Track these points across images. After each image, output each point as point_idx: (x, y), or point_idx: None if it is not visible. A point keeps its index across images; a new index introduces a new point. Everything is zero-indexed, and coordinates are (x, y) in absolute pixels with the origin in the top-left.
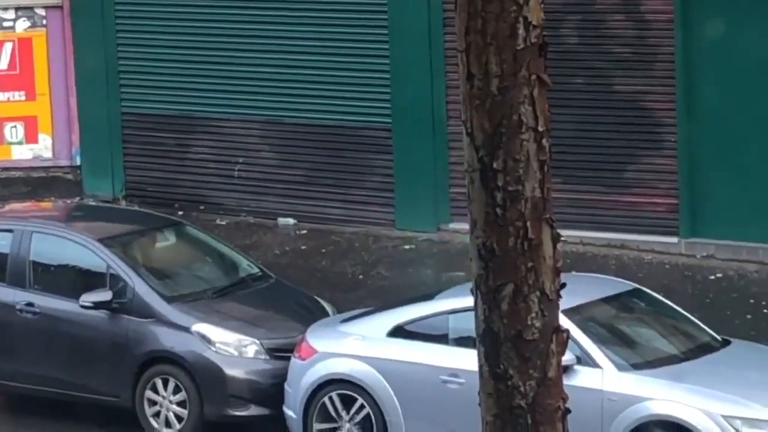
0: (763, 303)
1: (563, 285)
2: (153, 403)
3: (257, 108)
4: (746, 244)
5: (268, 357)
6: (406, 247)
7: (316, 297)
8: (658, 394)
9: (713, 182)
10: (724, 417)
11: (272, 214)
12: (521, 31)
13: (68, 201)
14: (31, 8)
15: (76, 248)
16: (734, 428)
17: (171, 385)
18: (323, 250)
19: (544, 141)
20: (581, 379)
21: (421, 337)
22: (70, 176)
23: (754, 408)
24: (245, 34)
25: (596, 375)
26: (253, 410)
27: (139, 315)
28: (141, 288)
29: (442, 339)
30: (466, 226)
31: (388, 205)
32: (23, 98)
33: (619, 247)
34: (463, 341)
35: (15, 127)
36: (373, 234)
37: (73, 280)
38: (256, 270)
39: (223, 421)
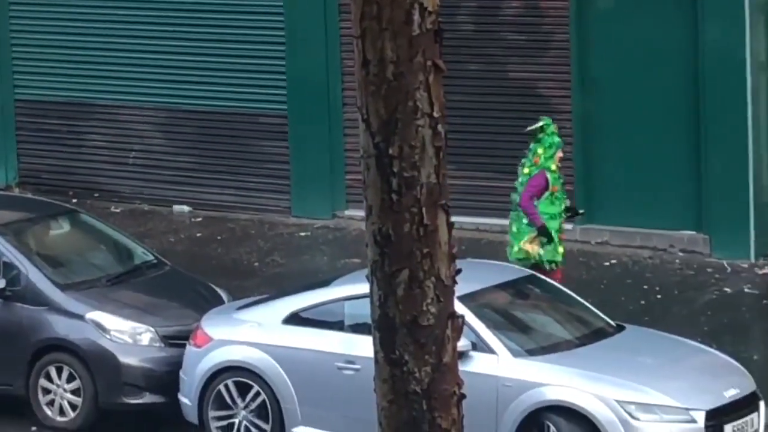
0: (657, 289)
1: (459, 271)
2: (47, 391)
3: (152, 95)
4: (640, 230)
5: (163, 344)
6: (302, 234)
7: (211, 284)
8: (553, 379)
9: (608, 169)
10: (618, 402)
11: (167, 202)
12: (416, 17)
13: None
14: None
15: None
16: (628, 413)
17: (65, 374)
18: (218, 238)
19: (439, 127)
20: (476, 365)
21: (316, 324)
22: None
23: (647, 393)
24: (140, 21)
25: (491, 361)
26: (148, 398)
27: (32, 303)
28: (34, 276)
29: (337, 326)
30: (361, 213)
31: (283, 192)
32: None
33: None
34: (358, 328)
35: None
36: (268, 221)
37: None
38: (151, 257)
39: (117, 409)
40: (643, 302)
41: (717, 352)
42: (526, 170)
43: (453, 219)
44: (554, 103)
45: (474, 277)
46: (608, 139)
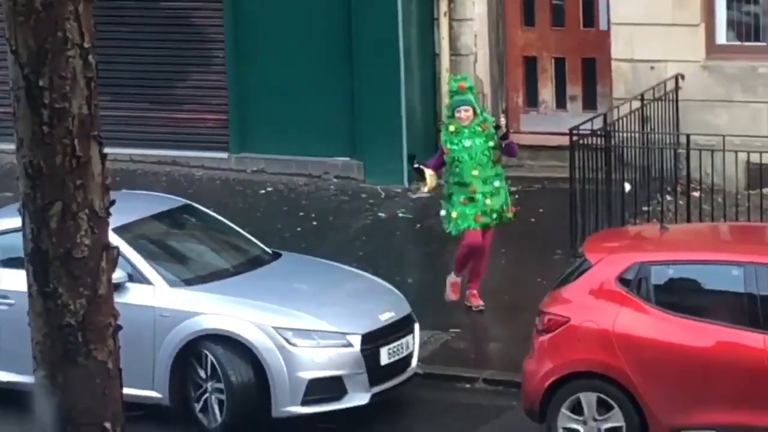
0: (313, 215)
1: (113, 202)
2: None
3: None
4: (295, 158)
5: None
6: None
7: None
8: (210, 308)
9: (262, 98)
10: (275, 328)
11: None
12: None
13: None
14: None
15: None
16: (285, 339)
17: None
18: None
19: (90, 58)
20: (133, 296)
21: None
22: None
23: (303, 319)
24: None
25: (148, 292)
26: None
27: None
28: None
29: None
30: (13, 146)
31: None
32: None
33: (170, 163)
34: (11, 262)
35: None
36: None
37: None
38: None
39: None
40: (299, 229)
41: (372, 277)
42: None
43: (106, 150)
44: (208, 33)
45: (129, 208)
46: (262, 67)
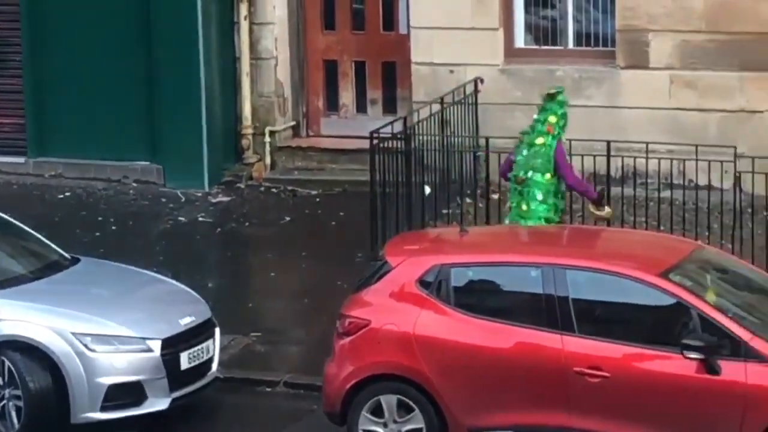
0: (112, 220)
1: None
2: None
3: None
4: (94, 162)
5: None
6: None
7: None
8: (7, 314)
9: (59, 102)
10: (74, 334)
11: None
12: None
13: None
14: None
15: None
16: (84, 345)
17: None
18: None
19: None
20: None
21: None
22: None
23: (103, 324)
24: None
25: None
26: None
27: None
28: None
29: None
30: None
31: None
32: None
33: None
34: None
35: None
36: None
37: None
38: None
39: None
40: (98, 234)
41: (172, 281)
42: (539, 140)
43: None
44: (4, 36)
45: None
46: (59, 70)
